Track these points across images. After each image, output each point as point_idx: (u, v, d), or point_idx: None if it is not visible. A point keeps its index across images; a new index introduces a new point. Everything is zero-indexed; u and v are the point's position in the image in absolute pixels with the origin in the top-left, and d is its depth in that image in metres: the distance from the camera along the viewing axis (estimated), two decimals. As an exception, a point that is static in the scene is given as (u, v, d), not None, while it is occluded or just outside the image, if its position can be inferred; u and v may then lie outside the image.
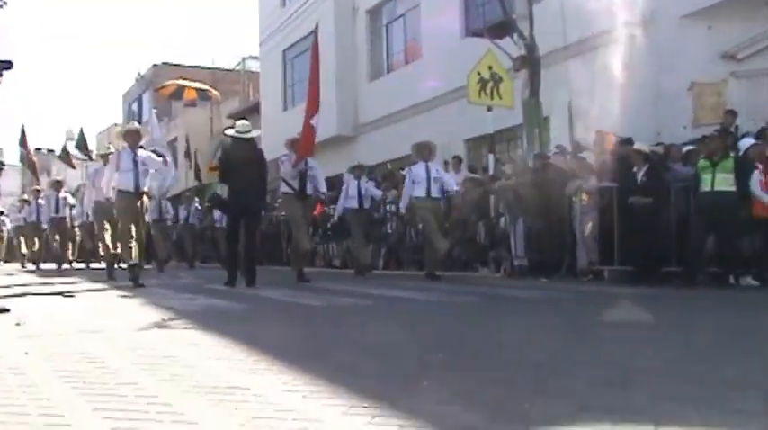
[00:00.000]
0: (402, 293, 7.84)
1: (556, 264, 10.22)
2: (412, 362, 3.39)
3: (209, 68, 35.06)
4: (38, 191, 17.91)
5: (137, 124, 10.61)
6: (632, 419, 2.22)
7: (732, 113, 10.98)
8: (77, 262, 18.29)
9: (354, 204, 12.05)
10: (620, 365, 3.23)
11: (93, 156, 19.54)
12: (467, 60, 13.09)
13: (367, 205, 12.25)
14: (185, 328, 4.82)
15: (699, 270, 8.77)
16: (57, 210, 16.05)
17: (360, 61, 21.26)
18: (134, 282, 8.98)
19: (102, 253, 11.70)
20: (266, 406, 2.50)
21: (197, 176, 27.20)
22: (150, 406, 2.51)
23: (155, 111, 15.79)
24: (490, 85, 12.58)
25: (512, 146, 15.39)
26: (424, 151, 10.55)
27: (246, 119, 11.72)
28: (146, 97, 37.28)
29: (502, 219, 11.75)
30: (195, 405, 2.53)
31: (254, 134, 9.32)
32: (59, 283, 10.23)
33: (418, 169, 10.46)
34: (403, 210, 11.87)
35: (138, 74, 39.23)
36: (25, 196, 21.43)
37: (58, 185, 16.64)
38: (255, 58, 29.87)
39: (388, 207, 14.07)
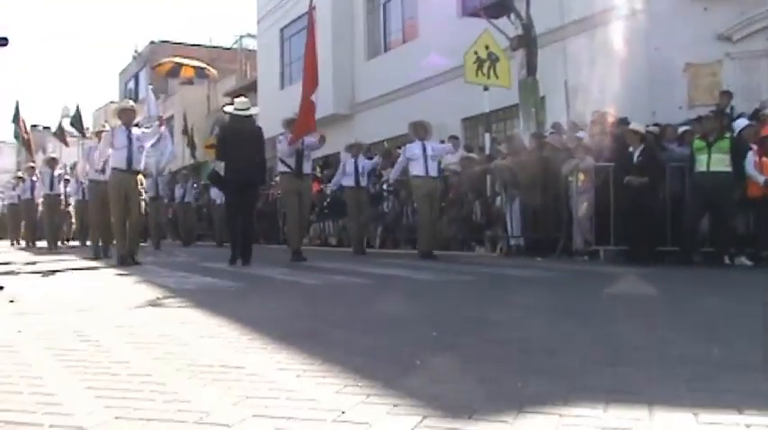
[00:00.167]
0: (398, 272, 7.84)
1: (552, 244, 10.23)
2: (407, 341, 3.39)
3: (206, 46, 34.91)
4: (32, 168, 17.85)
5: (131, 102, 10.53)
6: (626, 399, 2.23)
7: (727, 94, 10.98)
8: (72, 239, 18.28)
9: (351, 182, 12.01)
10: (614, 345, 3.24)
11: (88, 134, 19.44)
12: (464, 40, 13.03)
13: (364, 183, 12.20)
14: (179, 307, 4.83)
15: (693, 249, 8.81)
16: (51, 188, 16.00)
17: (357, 40, 21.17)
18: (124, 260, 8.97)
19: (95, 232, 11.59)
20: (260, 385, 2.50)
21: (192, 154, 27.15)
22: (143, 384, 2.51)
23: (151, 87, 15.72)
24: (487, 64, 12.55)
25: (508, 125, 15.37)
26: (420, 130, 10.52)
27: (245, 96, 11.66)
28: (142, 75, 37.13)
29: (498, 199, 11.75)
30: (188, 384, 2.53)
31: (253, 111, 9.26)
32: (53, 261, 10.24)
33: (414, 148, 10.42)
34: (391, 181, 11.79)
35: (135, 51, 39.09)
36: (20, 173, 21.37)
37: (53, 163, 16.58)
38: (253, 36, 29.73)
39: (384, 186, 14.04)
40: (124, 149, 9.06)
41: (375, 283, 6.67)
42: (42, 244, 16.81)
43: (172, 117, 31.09)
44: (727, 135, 8.84)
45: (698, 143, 8.81)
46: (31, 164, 18.68)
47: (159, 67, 17.03)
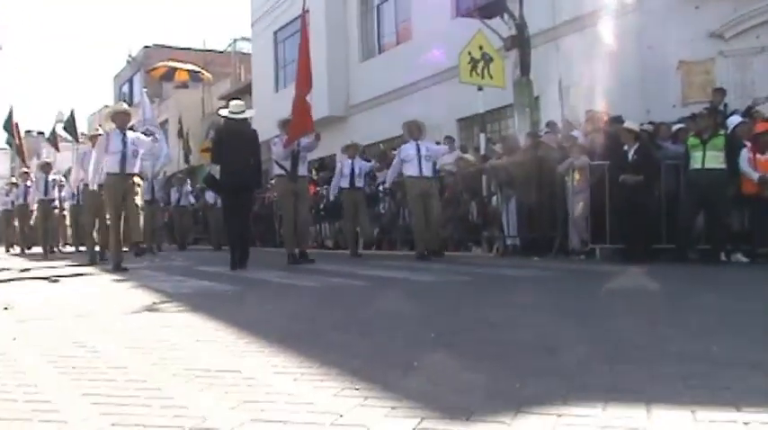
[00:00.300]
0: (395, 274, 7.83)
1: (548, 243, 10.24)
2: (404, 343, 3.39)
3: (200, 50, 34.89)
4: (26, 173, 17.77)
5: (125, 105, 10.48)
6: (624, 398, 2.23)
7: (721, 91, 11.02)
8: (67, 245, 18.22)
9: (347, 184, 11.99)
10: (612, 343, 3.23)
11: (81, 139, 19.38)
12: (458, 41, 13.05)
13: (360, 184, 12.18)
14: (176, 311, 4.81)
15: (689, 247, 8.82)
16: (46, 193, 15.94)
17: (351, 42, 21.19)
18: (116, 266, 8.92)
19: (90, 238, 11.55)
20: (257, 389, 2.49)
21: (186, 159, 27.11)
22: (140, 390, 2.49)
23: (146, 91, 15.66)
24: (481, 64, 12.57)
25: (503, 125, 15.39)
26: (414, 130, 10.50)
27: (240, 99, 11.62)
28: (137, 79, 37.13)
29: (494, 199, 11.75)
30: (185, 389, 2.52)
31: (248, 114, 9.22)
32: (48, 267, 10.21)
33: (408, 148, 10.41)
34: (388, 184, 11.74)
35: (130, 56, 39.05)
36: (13, 179, 21.29)
37: (47, 167, 16.50)
38: (247, 39, 29.71)
39: (380, 187, 14.03)
40: (119, 153, 8.96)
41: (372, 285, 6.66)
42: (37, 250, 16.75)
43: (166, 121, 31.10)
44: (722, 132, 8.87)
45: (692, 140, 8.83)
46: (25, 169, 18.62)
47: (154, 70, 17.03)
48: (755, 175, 8.59)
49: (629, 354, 2.96)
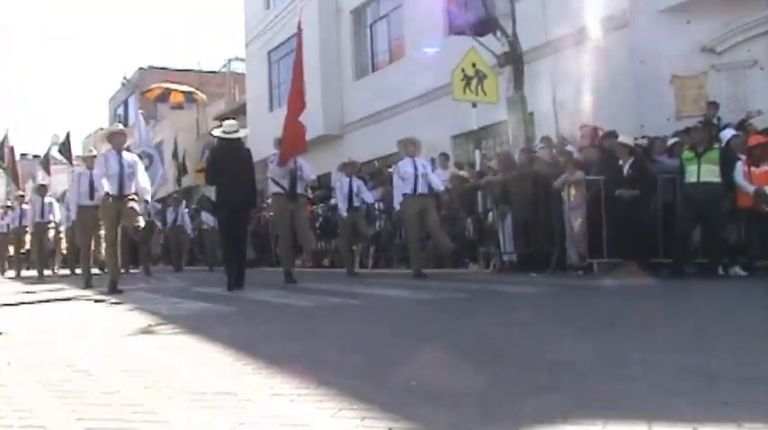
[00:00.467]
0: (391, 292, 7.81)
1: (545, 259, 10.22)
2: (402, 362, 3.36)
3: (194, 71, 34.96)
4: (22, 197, 17.75)
5: (121, 125, 10.46)
6: (624, 414, 2.21)
7: (714, 105, 11.09)
8: (62, 268, 18.16)
9: (342, 208, 11.96)
10: (611, 359, 3.21)
11: (75, 162, 19.38)
12: (451, 58, 13.11)
13: (357, 203, 12.16)
14: (171, 333, 4.78)
15: (686, 261, 8.82)
16: (42, 215, 15.90)
17: (344, 61, 21.28)
18: (111, 288, 8.84)
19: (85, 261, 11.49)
20: (254, 410, 2.46)
21: (178, 180, 27.06)
22: (135, 414, 2.46)
23: (141, 112, 15.69)
24: (475, 81, 12.63)
25: (498, 141, 15.41)
26: (409, 147, 10.48)
27: (234, 119, 11.61)
28: (132, 101, 37.19)
29: (490, 215, 11.75)
30: (181, 412, 2.49)
31: (242, 134, 9.19)
32: (43, 291, 10.14)
33: (405, 165, 10.37)
34: (397, 207, 11.48)
35: (124, 78, 39.11)
36: (8, 202, 21.24)
37: (42, 190, 16.48)
38: (241, 59, 29.80)
39: (376, 205, 14.02)
40: (116, 176, 8.88)
41: (369, 304, 6.64)
42: (32, 272, 16.67)
43: (161, 142, 31.12)
44: (716, 146, 8.89)
45: (687, 154, 8.85)
46: (21, 192, 18.59)
47: (148, 92, 17.12)
48: (751, 188, 8.61)
49: (628, 370, 2.94)
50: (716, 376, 2.75)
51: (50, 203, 16.21)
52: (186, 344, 4.20)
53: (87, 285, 10.64)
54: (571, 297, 7.02)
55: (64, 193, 20.21)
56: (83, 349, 4.10)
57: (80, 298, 8.66)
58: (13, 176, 21.33)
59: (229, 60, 33.25)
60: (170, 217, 18.82)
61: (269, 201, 18.40)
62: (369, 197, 12.49)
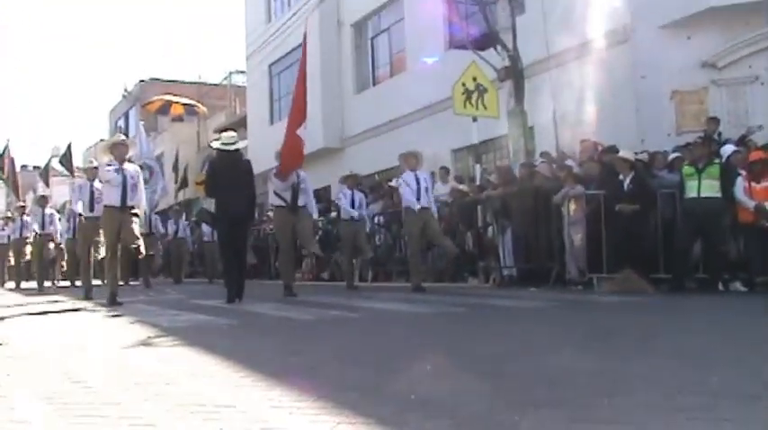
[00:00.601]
0: (390, 306, 7.79)
1: (545, 273, 10.21)
2: (401, 376, 3.36)
3: (195, 83, 35.05)
4: (23, 208, 17.74)
5: (123, 136, 10.46)
6: (623, 430, 2.20)
7: (715, 120, 11.10)
8: (62, 280, 18.13)
9: (347, 216, 11.97)
10: (611, 375, 3.20)
11: (76, 173, 19.39)
12: (451, 72, 13.16)
13: (360, 216, 12.16)
14: (171, 345, 4.77)
15: (686, 276, 8.80)
16: (43, 227, 15.89)
17: (345, 74, 21.35)
18: (114, 299, 8.77)
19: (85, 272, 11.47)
20: (252, 423, 2.46)
21: (177, 192, 27.02)
22: (133, 426, 2.46)
23: (142, 123, 15.71)
24: (475, 95, 12.67)
25: (498, 155, 15.44)
26: (411, 160, 10.48)
27: (234, 130, 11.61)
28: (132, 113, 37.27)
29: (490, 229, 11.75)
30: (180, 424, 2.48)
31: (240, 145, 9.17)
32: (43, 302, 10.13)
33: (408, 178, 10.37)
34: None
35: (125, 90, 39.25)
36: (8, 214, 21.23)
37: (43, 201, 16.48)
38: (242, 72, 29.90)
39: (375, 219, 14.02)
40: (119, 187, 8.82)
41: (368, 318, 6.63)
42: (32, 284, 16.65)
43: (162, 154, 31.17)
44: (716, 161, 8.90)
45: (687, 169, 8.86)
46: (22, 203, 18.58)
47: (149, 104, 17.14)
48: (751, 204, 8.60)
49: (628, 386, 2.92)
50: (717, 392, 2.74)
51: (51, 215, 16.19)
52: (185, 356, 4.19)
53: (87, 297, 10.62)
54: (571, 312, 7.00)
55: (64, 205, 20.23)
56: (82, 361, 4.10)
57: (80, 310, 8.65)
58: (14, 187, 21.31)
59: (230, 73, 33.39)
60: (171, 229, 18.83)
61: (269, 213, 18.45)
62: (364, 213, 12.47)
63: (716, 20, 11.74)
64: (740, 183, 8.71)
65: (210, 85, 35.17)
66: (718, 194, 8.59)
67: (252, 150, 23.06)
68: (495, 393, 2.89)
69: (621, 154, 9.56)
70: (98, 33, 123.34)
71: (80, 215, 11.66)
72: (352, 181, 12.20)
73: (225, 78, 34.05)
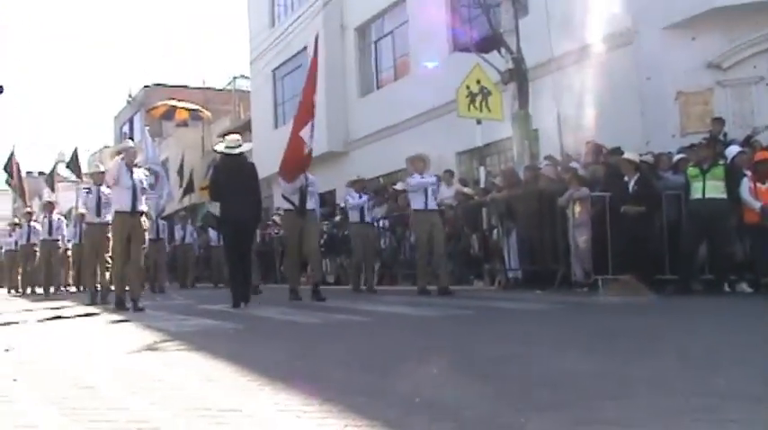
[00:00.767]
0: (397, 309, 7.80)
1: (550, 276, 10.20)
2: (406, 379, 3.36)
3: (199, 88, 35.11)
4: (30, 214, 17.78)
5: (131, 142, 10.47)
6: (628, 432, 2.20)
7: (720, 121, 11.08)
8: (70, 285, 18.15)
9: (357, 218, 11.97)
10: (615, 377, 3.21)
11: (85, 178, 19.42)
12: (455, 75, 13.17)
13: (368, 219, 12.17)
14: (177, 350, 4.78)
15: (692, 277, 8.79)
16: (50, 233, 15.91)
17: (349, 78, 21.36)
18: (134, 305, 8.73)
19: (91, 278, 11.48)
20: (259, 427, 2.47)
21: (182, 197, 27.03)
22: (141, 430, 2.47)
23: (147, 128, 15.73)
24: (479, 98, 12.66)
25: (502, 158, 15.44)
26: (418, 163, 10.47)
27: (239, 133, 11.61)
28: (137, 118, 37.34)
29: (495, 232, 11.75)
30: (186, 428, 2.49)
31: (245, 148, 9.17)
32: (50, 308, 10.16)
33: (417, 179, 10.37)
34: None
35: (130, 95, 39.30)
36: (16, 220, 21.28)
37: (50, 206, 16.50)
38: (246, 77, 29.93)
39: (380, 223, 14.02)
40: (129, 190, 8.81)
41: (374, 321, 6.63)
42: (39, 290, 16.67)
43: (167, 159, 31.22)
44: (721, 162, 8.89)
45: (692, 171, 8.85)
46: (28, 209, 18.62)
47: (154, 110, 17.13)
48: (757, 205, 8.59)
49: (633, 388, 2.92)
50: (722, 394, 2.74)
51: (58, 220, 16.23)
52: (192, 360, 4.21)
53: (93, 302, 10.65)
54: (576, 314, 7.00)
55: (70, 211, 20.28)
56: (89, 365, 4.11)
57: (86, 315, 8.67)
58: (20, 193, 21.39)
59: (234, 78, 33.44)
60: (178, 234, 18.86)
61: (274, 218, 18.46)
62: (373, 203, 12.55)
63: (720, 20, 11.72)
64: (746, 184, 8.71)
65: (215, 90, 35.23)
66: (723, 195, 8.58)
67: (256, 154, 23.03)
68: (499, 396, 2.89)
69: (626, 155, 9.55)
70: (103, 40, 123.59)
71: (82, 215, 11.66)
72: (359, 185, 12.24)
73: (229, 83, 34.13)
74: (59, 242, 16.10)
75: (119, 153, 9.29)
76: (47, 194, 30.69)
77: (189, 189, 27.41)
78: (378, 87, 20.74)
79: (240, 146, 8.94)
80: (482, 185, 12.85)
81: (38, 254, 16.68)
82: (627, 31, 12.62)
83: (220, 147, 9.05)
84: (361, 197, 12.05)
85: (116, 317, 8.03)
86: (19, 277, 18.62)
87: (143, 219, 9.02)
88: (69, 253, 16.52)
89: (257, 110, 26.35)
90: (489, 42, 12.99)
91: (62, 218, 16.79)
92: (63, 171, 22.90)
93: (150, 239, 11.72)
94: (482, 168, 13.43)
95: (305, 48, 20.94)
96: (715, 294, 8.42)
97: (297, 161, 9.76)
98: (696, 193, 8.66)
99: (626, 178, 9.23)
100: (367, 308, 7.99)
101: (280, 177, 9.96)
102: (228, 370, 3.74)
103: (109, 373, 3.78)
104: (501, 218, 11.37)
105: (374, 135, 19.80)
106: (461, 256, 12.52)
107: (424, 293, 9.93)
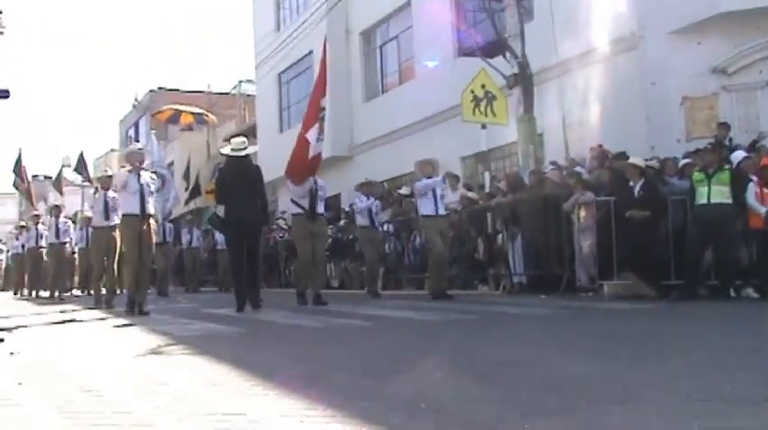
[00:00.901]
0: (401, 313, 7.80)
1: (555, 280, 10.18)
2: (411, 384, 3.35)
3: (205, 92, 35.18)
4: (37, 217, 17.81)
5: (139, 145, 10.48)
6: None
7: (725, 126, 11.05)
8: (77, 289, 18.17)
9: (366, 222, 11.96)
10: (622, 382, 3.19)
11: (94, 182, 19.47)
12: (460, 79, 13.16)
13: (377, 223, 12.16)
14: (182, 354, 4.78)
15: (698, 283, 8.76)
16: (57, 236, 15.91)
17: (354, 82, 21.36)
18: (139, 309, 8.68)
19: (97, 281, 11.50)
20: (263, 432, 2.46)
21: (187, 201, 27.05)
22: (145, 434, 2.47)
23: (153, 132, 15.74)
24: (484, 103, 12.64)
25: (507, 163, 15.42)
26: (426, 168, 10.42)
27: (245, 136, 11.61)
28: (142, 122, 37.39)
29: (500, 236, 11.73)
30: (190, 432, 2.49)
31: (250, 150, 9.15)
32: (56, 311, 10.17)
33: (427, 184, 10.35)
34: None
35: (135, 100, 39.40)
36: (22, 223, 21.32)
37: (57, 210, 16.49)
38: (251, 81, 29.96)
39: (384, 227, 14.01)
40: (137, 193, 8.75)
41: (378, 325, 6.63)
42: (45, 293, 16.69)
43: (172, 162, 31.27)
44: (727, 167, 8.85)
45: (697, 176, 8.81)
46: (36, 212, 18.65)
47: (159, 114, 17.21)
48: (763, 210, 8.57)
49: (639, 393, 2.91)
50: (729, 399, 2.73)
51: (65, 224, 16.23)
52: (196, 364, 4.20)
53: (98, 306, 10.66)
54: (581, 319, 6.99)
55: (76, 214, 20.31)
56: (93, 369, 4.11)
57: (92, 319, 8.68)
58: (27, 196, 21.44)
59: (240, 82, 33.45)
60: (185, 238, 18.89)
61: (278, 222, 18.48)
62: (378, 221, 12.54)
63: (725, 25, 11.70)
64: (752, 189, 8.68)
65: (220, 94, 35.28)
66: (729, 200, 8.54)
67: (261, 159, 23.09)
68: (505, 400, 2.88)
69: (632, 160, 9.53)
70: (109, 45, 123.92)
71: (89, 219, 11.68)
72: (367, 188, 12.24)
73: (234, 87, 34.14)
74: (66, 245, 16.09)
75: (127, 159, 9.28)
76: (53, 198, 30.77)
77: (195, 193, 27.43)
78: (383, 92, 20.74)
79: (246, 148, 8.94)
80: (487, 190, 12.83)
81: (45, 257, 16.71)
82: (632, 35, 12.61)
83: (226, 150, 9.05)
84: (369, 199, 12.04)
85: (121, 320, 8.04)
86: (25, 280, 18.65)
87: (151, 221, 9.01)
88: (76, 256, 16.56)
89: (262, 114, 26.38)
90: (494, 47, 12.99)
91: (69, 221, 16.80)
92: (69, 175, 22.93)
93: (156, 243, 11.74)
94: (487, 173, 13.42)
95: (310, 52, 20.95)
96: (720, 299, 8.39)
97: (302, 162, 9.70)
98: (701, 198, 8.62)
99: (631, 183, 9.21)
100: (371, 312, 7.98)
101: (288, 180, 9.94)
102: (232, 374, 3.74)
103: (113, 377, 3.78)
104: (506, 222, 11.35)
105: (379, 139, 19.80)
106: (466, 261, 12.50)
107: (440, 297, 9.86)
